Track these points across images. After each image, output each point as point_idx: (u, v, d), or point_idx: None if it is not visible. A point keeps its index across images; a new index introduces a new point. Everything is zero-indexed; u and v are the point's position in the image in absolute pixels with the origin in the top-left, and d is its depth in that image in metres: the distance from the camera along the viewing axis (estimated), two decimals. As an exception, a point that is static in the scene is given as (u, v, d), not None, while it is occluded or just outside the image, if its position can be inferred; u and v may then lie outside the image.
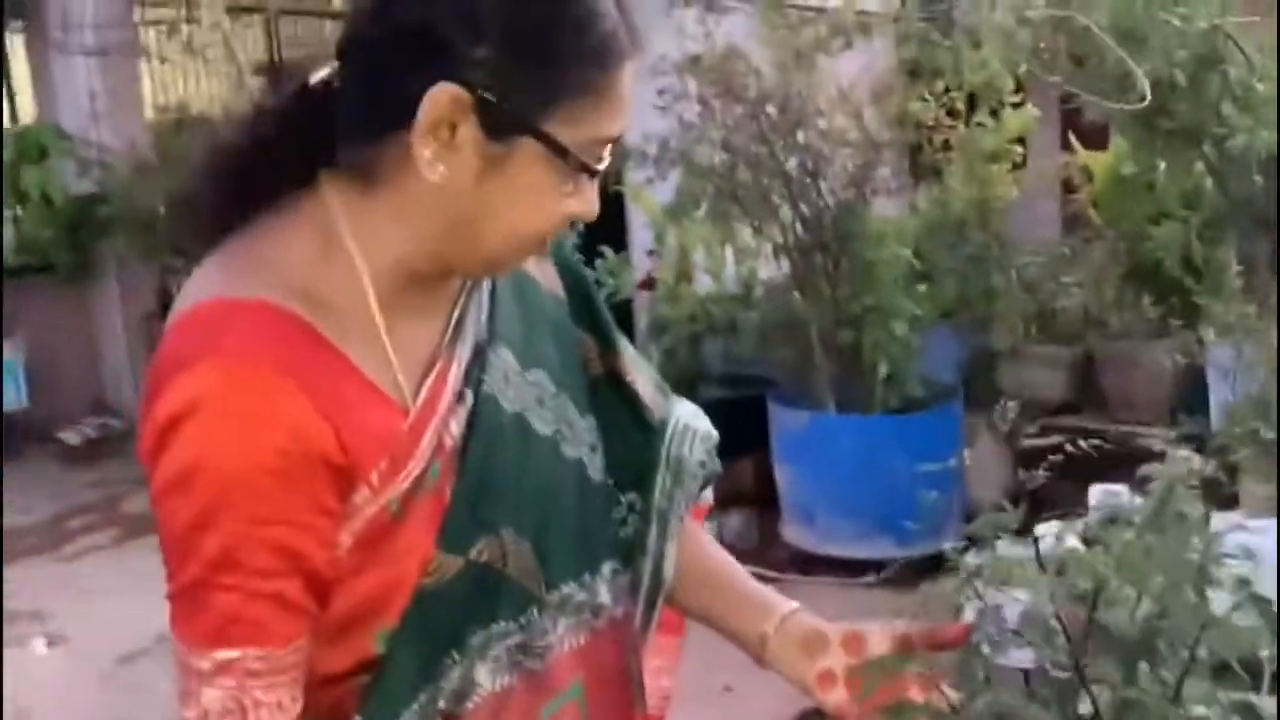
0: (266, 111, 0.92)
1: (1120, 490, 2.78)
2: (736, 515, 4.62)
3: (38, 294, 6.39)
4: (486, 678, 0.93)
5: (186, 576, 0.83)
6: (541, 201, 0.88)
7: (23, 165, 6.54)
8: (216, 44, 6.97)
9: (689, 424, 1.16)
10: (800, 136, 4.10)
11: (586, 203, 0.91)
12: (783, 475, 4.43)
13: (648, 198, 4.77)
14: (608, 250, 5.37)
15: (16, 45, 7.92)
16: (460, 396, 0.94)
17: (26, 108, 7.82)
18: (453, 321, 0.96)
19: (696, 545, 1.17)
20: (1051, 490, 2.55)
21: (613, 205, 5.46)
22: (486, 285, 1.00)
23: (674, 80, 4.09)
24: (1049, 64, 3.63)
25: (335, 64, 0.89)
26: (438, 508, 0.90)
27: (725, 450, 4.84)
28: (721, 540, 4.64)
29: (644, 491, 1.10)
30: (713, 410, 4.88)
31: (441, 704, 0.91)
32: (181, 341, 0.84)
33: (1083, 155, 4.91)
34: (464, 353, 0.96)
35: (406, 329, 0.92)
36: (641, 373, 1.13)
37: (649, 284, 5.18)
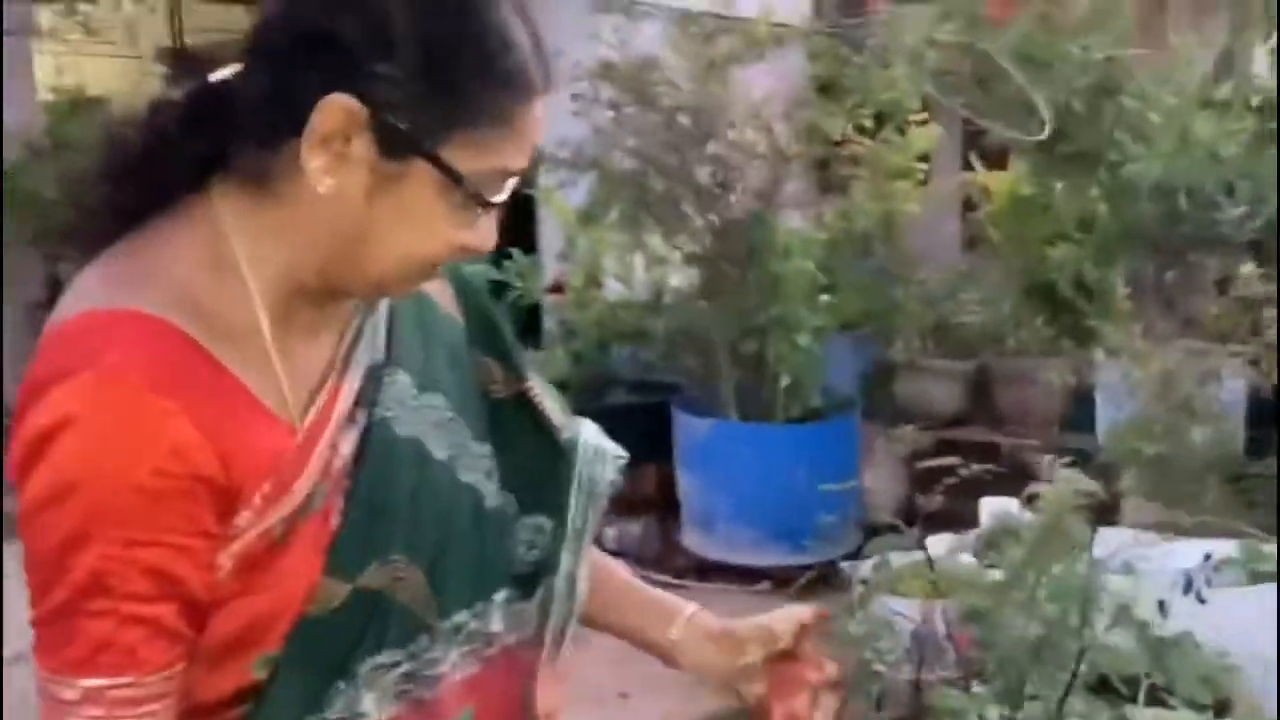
0: (163, 106, 0.88)
1: (1010, 504, 2.86)
2: (638, 521, 4.63)
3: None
4: (373, 706, 0.91)
5: (54, 600, 0.78)
6: (432, 227, 0.85)
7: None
8: (116, 26, 6.76)
9: (598, 444, 1.15)
10: (711, 147, 4.13)
11: (481, 236, 0.89)
12: (684, 482, 4.46)
13: (559, 202, 4.76)
14: (516, 253, 5.36)
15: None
16: (351, 417, 0.91)
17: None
18: (346, 340, 0.93)
19: (593, 556, 1.17)
20: (945, 502, 2.62)
21: (524, 208, 5.44)
22: (385, 304, 0.98)
23: (588, 86, 4.09)
24: (954, 87, 3.72)
25: (238, 64, 0.86)
26: (323, 531, 0.87)
27: (629, 456, 4.78)
28: (622, 546, 4.66)
29: (556, 512, 1.08)
30: (618, 415, 4.90)
31: None
32: (56, 354, 0.80)
33: (982, 175, 5.04)
34: (357, 372, 0.93)
35: (299, 346, 0.89)
36: (547, 396, 1.12)
37: (558, 289, 5.17)
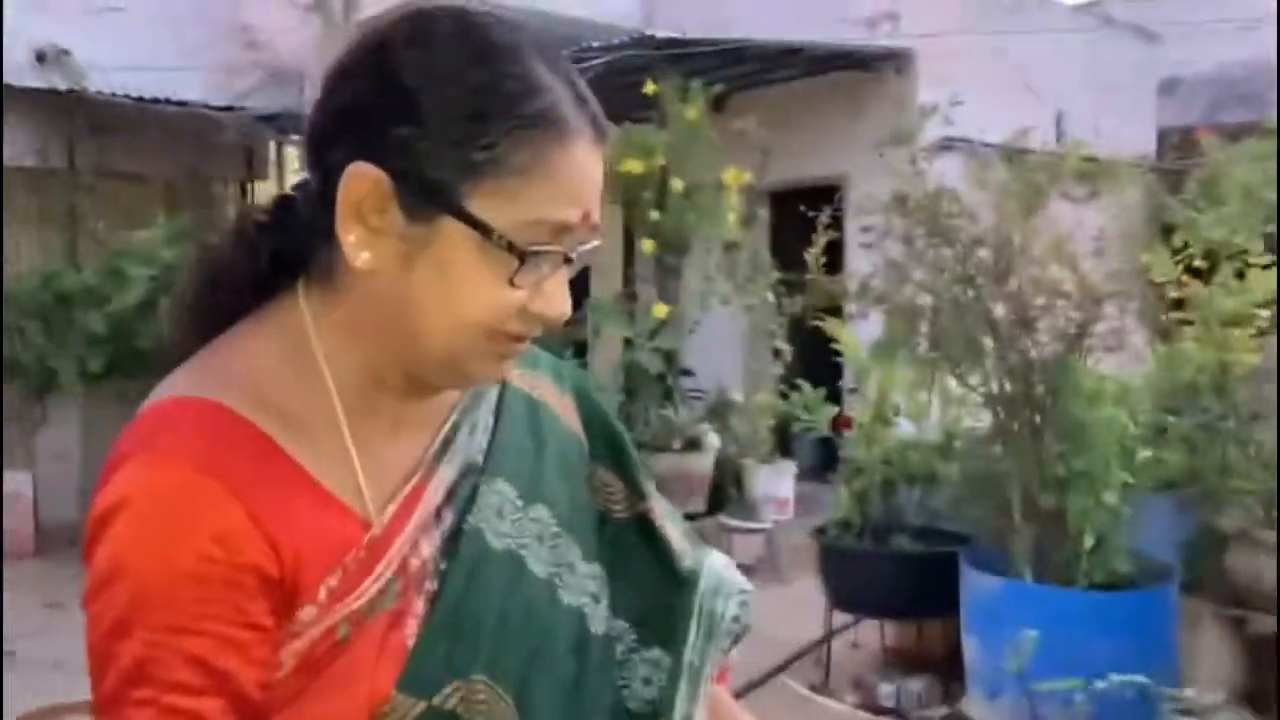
0: (249, 214, 0.90)
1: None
2: (918, 680, 4.32)
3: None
4: None
5: (105, 687, 0.77)
6: (476, 289, 0.81)
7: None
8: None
9: (723, 575, 1.05)
10: (1012, 284, 3.90)
11: (548, 299, 0.83)
12: (971, 643, 4.10)
13: (848, 335, 4.64)
14: (806, 384, 5.26)
15: (295, 155, 8.66)
16: (438, 516, 0.87)
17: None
18: (439, 438, 0.90)
19: (718, 704, 1.05)
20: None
21: (824, 340, 5.36)
22: (489, 406, 0.94)
23: (880, 220, 3.99)
24: (1298, 224, 3.31)
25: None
26: (395, 636, 0.83)
27: (913, 609, 4.58)
28: (900, 705, 4.38)
29: (672, 646, 1.00)
30: (903, 563, 4.65)
31: None
32: (127, 439, 0.81)
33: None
34: (448, 471, 0.89)
35: (383, 441, 0.86)
36: (671, 521, 1.05)
37: (846, 423, 5.01)
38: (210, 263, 0.90)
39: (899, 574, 4.57)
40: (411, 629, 0.84)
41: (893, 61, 7.55)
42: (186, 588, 0.75)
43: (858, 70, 7.78)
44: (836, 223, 5.24)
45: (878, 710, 4.34)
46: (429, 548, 0.86)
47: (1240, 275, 4.34)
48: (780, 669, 4.68)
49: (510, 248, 0.80)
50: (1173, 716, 3.25)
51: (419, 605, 0.85)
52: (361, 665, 0.81)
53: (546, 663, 0.90)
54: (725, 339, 7.39)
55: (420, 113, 0.79)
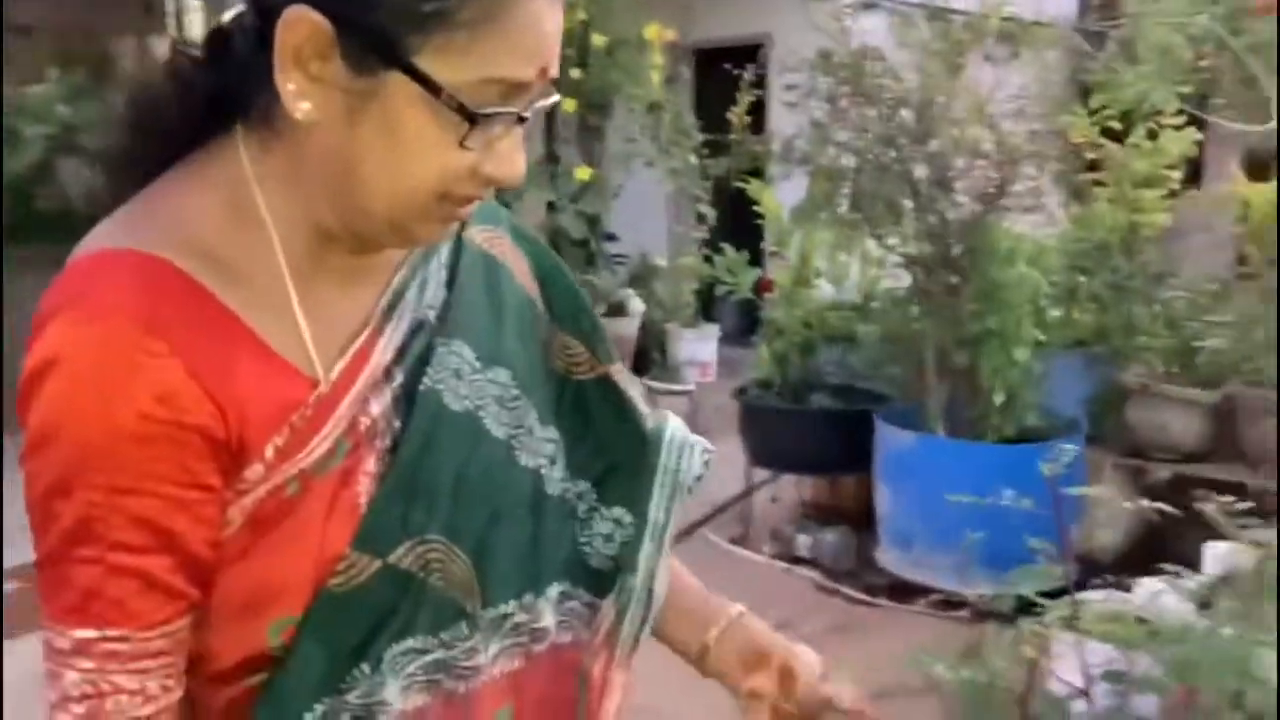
0: (182, 53, 0.85)
1: (1239, 550, 2.54)
2: (833, 533, 4.47)
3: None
4: (397, 696, 0.84)
5: (46, 546, 0.76)
6: (425, 150, 0.77)
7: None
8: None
9: (685, 435, 1.06)
10: (933, 145, 3.91)
11: (501, 162, 0.80)
12: (884, 496, 4.25)
13: (770, 197, 4.64)
14: (729, 248, 5.28)
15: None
16: (387, 375, 0.86)
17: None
18: (388, 293, 0.88)
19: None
20: (1175, 538, 2.34)
21: (748, 202, 5.35)
22: (440, 261, 0.92)
23: (805, 77, 3.95)
24: (1210, 84, 3.36)
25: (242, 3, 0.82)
26: (345, 495, 0.82)
27: (830, 464, 4.69)
28: (815, 555, 4.50)
29: (635, 504, 1.01)
30: (821, 421, 4.75)
31: (344, 719, 0.83)
32: (55, 293, 0.77)
33: (1242, 185, 4.57)
34: (398, 328, 0.87)
35: (330, 297, 0.84)
36: (632, 383, 1.05)
37: (769, 286, 5.06)
38: (141, 105, 0.85)
39: (817, 431, 4.69)
40: (364, 486, 0.83)
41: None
42: (128, 448, 0.74)
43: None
44: (760, 82, 5.18)
45: (795, 561, 4.50)
46: (379, 406, 0.85)
47: (1153, 136, 4.41)
48: (702, 523, 4.81)
49: (461, 109, 0.75)
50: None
51: (370, 463, 0.84)
52: (311, 522, 0.80)
53: (503, 522, 0.90)
54: (648, 202, 7.34)
55: None
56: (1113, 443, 4.35)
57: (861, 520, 4.50)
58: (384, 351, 0.86)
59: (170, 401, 0.74)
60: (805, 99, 3.97)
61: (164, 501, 0.75)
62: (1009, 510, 3.57)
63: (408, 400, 0.87)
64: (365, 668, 0.83)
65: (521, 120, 0.80)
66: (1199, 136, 4.40)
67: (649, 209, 7.35)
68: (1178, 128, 4.38)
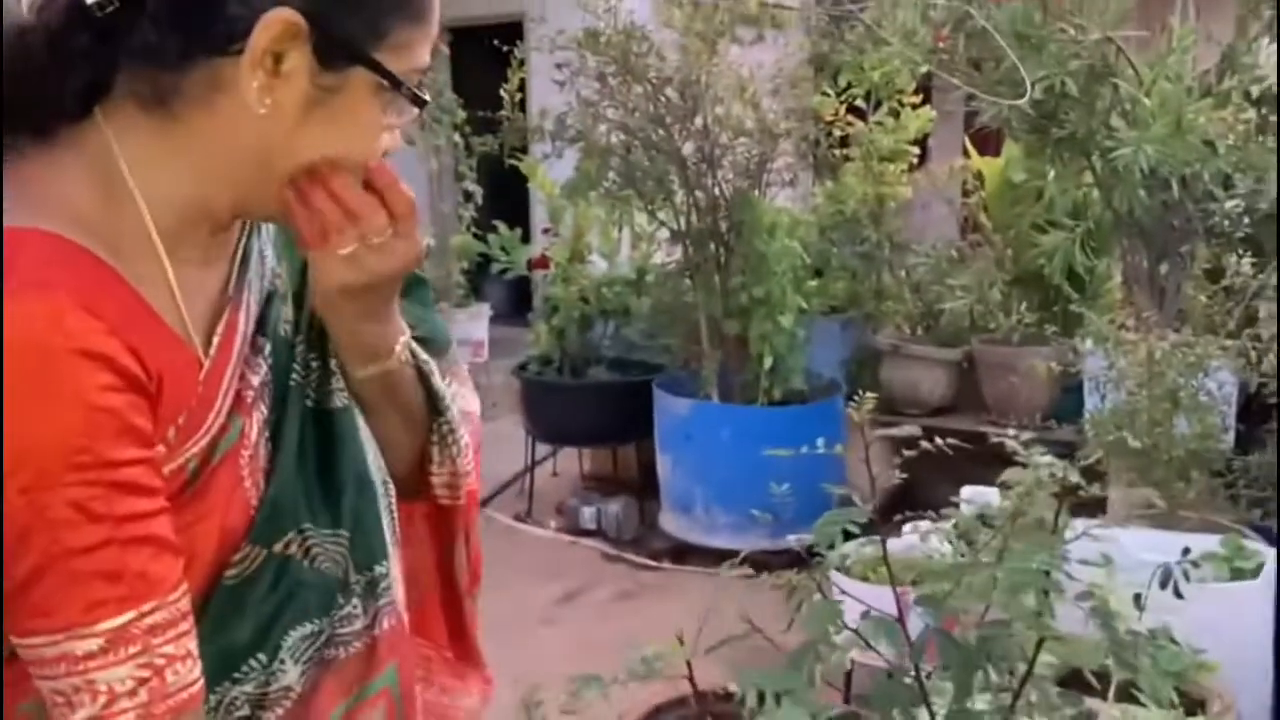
0: (31, 32, 0.81)
1: (988, 492, 2.79)
2: (617, 501, 4.58)
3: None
4: (297, 680, 0.87)
5: (35, 553, 0.70)
6: (363, 135, 0.83)
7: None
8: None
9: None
10: (699, 122, 4.06)
11: (395, 138, 0.87)
12: (664, 463, 4.40)
13: (543, 175, 4.68)
14: (501, 226, 5.28)
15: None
16: (254, 345, 0.88)
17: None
18: (235, 266, 0.89)
19: None
20: (928, 490, 2.55)
21: (514, 180, 5.36)
22: (264, 231, 0.93)
23: (574, 56, 4.00)
24: (948, 65, 3.63)
25: None
26: (236, 467, 0.84)
27: (610, 436, 4.79)
28: (600, 525, 4.55)
29: None
30: (601, 394, 4.83)
31: (242, 708, 0.84)
32: None
33: (976, 160, 4.97)
34: (252, 300, 0.89)
35: (192, 274, 0.84)
36: None
37: (543, 263, 5.10)
38: (10, 64, 0.80)
39: (596, 404, 4.79)
40: (248, 457, 0.84)
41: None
42: (104, 420, 0.71)
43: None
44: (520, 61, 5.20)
45: (580, 533, 4.59)
46: (256, 377, 0.86)
47: (896, 114, 4.73)
48: (485, 502, 4.83)
49: (413, 97, 0.83)
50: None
51: (254, 433, 0.85)
52: (214, 498, 0.81)
53: (364, 492, 0.93)
54: (410, 181, 7.19)
55: None
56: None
57: (643, 488, 4.64)
58: (247, 322, 0.87)
59: (122, 373, 0.73)
60: (574, 77, 4.03)
61: (144, 465, 0.74)
62: (780, 468, 3.79)
63: (278, 373, 0.88)
64: (262, 657, 0.84)
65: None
66: (934, 114, 4.76)
67: (412, 188, 7.21)
68: (915, 106, 4.72)
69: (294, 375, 0.90)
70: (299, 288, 0.94)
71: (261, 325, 0.89)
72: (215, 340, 0.84)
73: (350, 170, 0.84)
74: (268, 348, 0.89)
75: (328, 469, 0.90)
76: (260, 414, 0.86)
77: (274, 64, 0.78)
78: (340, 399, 0.93)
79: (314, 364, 0.93)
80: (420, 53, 0.84)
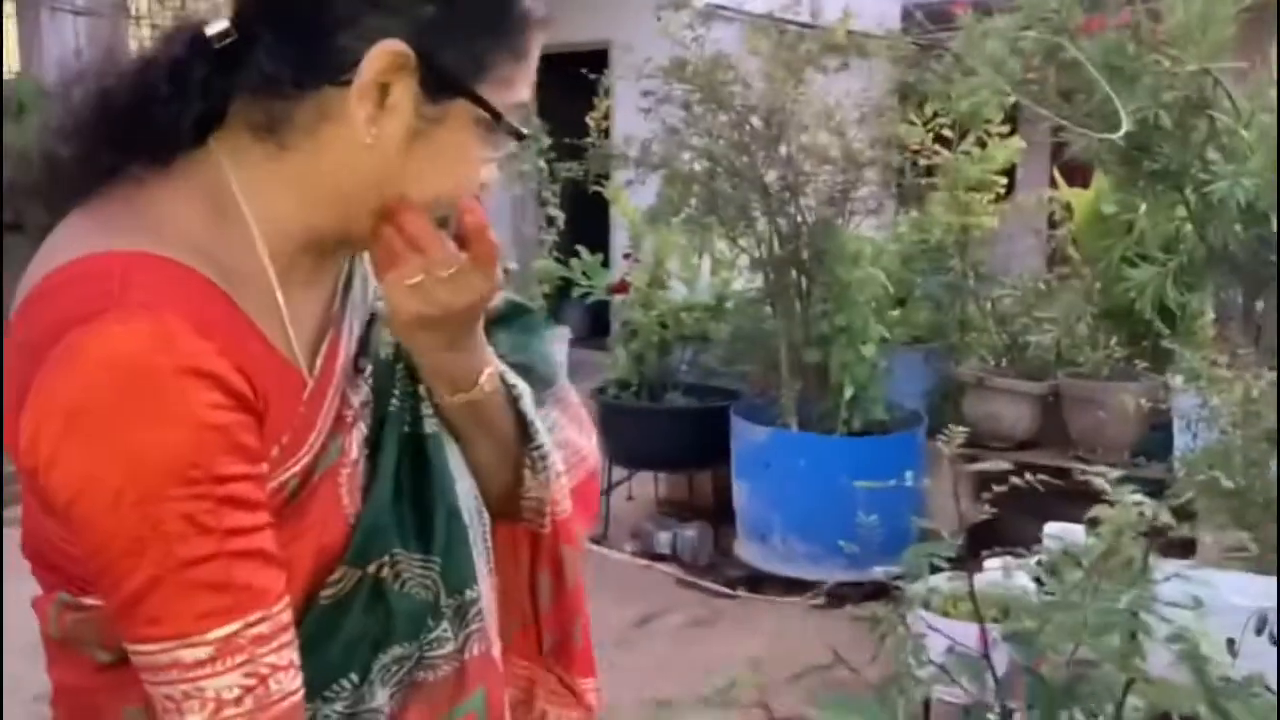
0: (154, 61, 0.85)
1: (1075, 529, 2.73)
2: (693, 528, 4.57)
3: (8, 253, 6.26)
4: (386, 702, 0.89)
5: (148, 565, 0.73)
6: (464, 168, 0.85)
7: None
8: (210, 13, 6.87)
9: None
10: (783, 150, 4.06)
11: (492, 171, 0.89)
12: (740, 490, 4.38)
13: (625, 200, 4.72)
14: (583, 250, 5.33)
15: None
16: (357, 367, 0.90)
17: (12, 63, 7.72)
18: (340, 289, 0.92)
19: None
20: (1011, 525, 2.51)
21: (596, 205, 5.41)
22: (364, 260, 0.96)
23: (659, 83, 4.04)
24: (1038, 96, 3.59)
25: (229, 17, 0.83)
26: (335, 486, 0.86)
27: (687, 461, 4.77)
28: (675, 551, 4.54)
29: None
30: (678, 419, 4.84)
31: None
32: (70, 299, 0.74)
33: (1064, 191, 4.89)
34: (355, 322, 0.92)
35: (299, 296, 0.86)
36: None
37: (623, 288, 5.14)
38: (108, 109, 0.84)
39: (673, 429, 4.79)
40: (347, 476, 0.87)
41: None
42: (213, 437, 0.74)
43: (623, -68, 7.70)
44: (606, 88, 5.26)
45: (655, 557, 4.58)
46: (357, 398, 0.89)
47: (982, 144, 4.68)
48: (561, 525, 4.84)
49: (513, 131, 0.85)
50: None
51: (354, 452, 0.88)
52: (312, 517, 0.84)
53: (455, 516, 0.94)
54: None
55: None
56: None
57: (718, 515, 4.62)
58: (350, 343, 0.90)
59: (231, 392, 0.75)
60: (660, 105, 4.06)
61: (251, 481, 0.76)
62: (858, 499, 3.75)
63: (379, 396, 0.91)
64: (354, 677, 0.87)
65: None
66: (1022, 145, 4.71)
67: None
68: (1004, 136, 4.67)
69: (393, 399, 0.93)
70: None
71: (364, 347, 0.91)
72: (319, 361, 0.86)
73: (446, 204, 0.86)
74: (369, 369, 0.91)
75: (420, 494, 0.92)
76: (360, 434, 0.89)
77: (381, 95, 0.80)
78: (430, 424, 0.94)
79: (407, 389, 0.95)
80: (520, 88, 0.86)
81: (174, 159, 0.84)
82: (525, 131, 0.87)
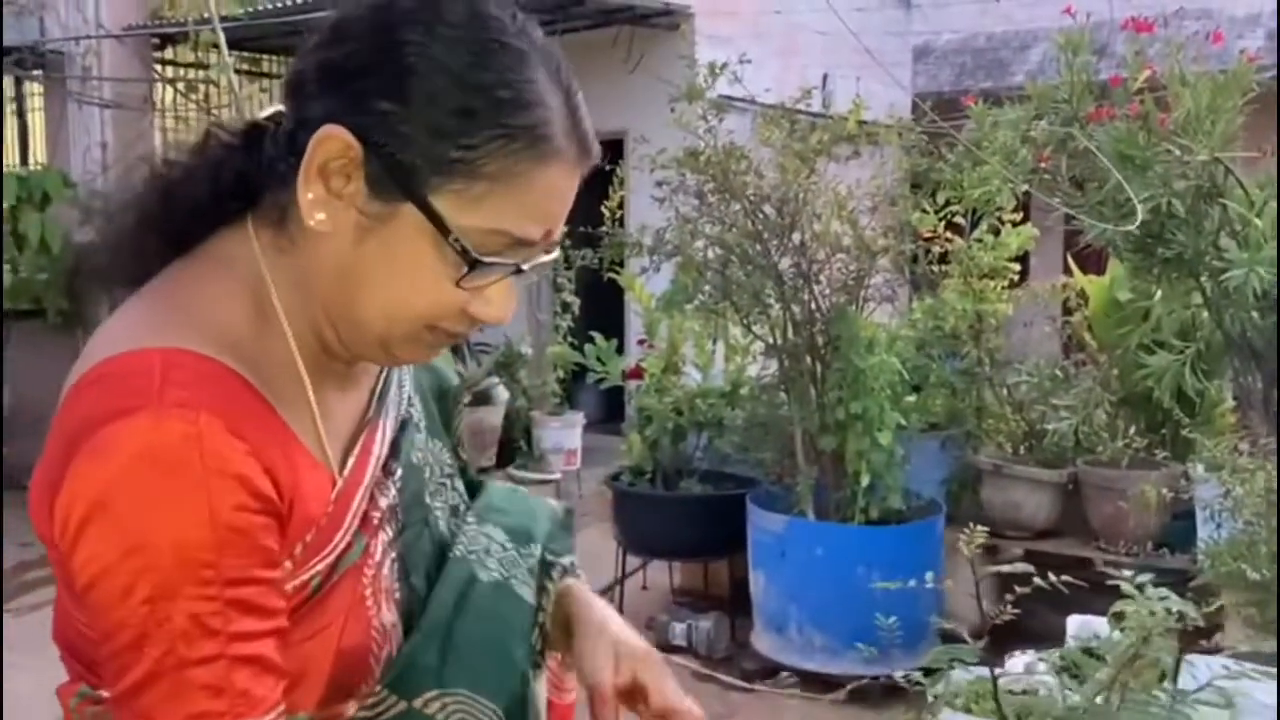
0: (209, 147, 0.87)
1: (1098, 623, 2.67)
2: (708, 619, 4.50)
3: (25, 338, 6.33)
4: None
5: (150, 658, 0.72)
6: (421, 281, 0.80)
7: (24, 209, 6.54)
8: (231, 103, 7.03)
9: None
10: (796, 238, 4.08)
11: (489, 304, 0.83)
12: (757, 580, 4.32)
13: (640, 287, 4.74)
14: (598, 336, 5.35)
15: (35, 92, 8.02)
16: (386, 470, 0.90)
17: (39, 154, 7.89)
18: (376, 391, 0.92)
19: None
20: (1032, 615, 2.46)
21: (610, 292, 5.44)
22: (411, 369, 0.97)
23: (673, 173, 4.08)
24: (1049, 184, 3.62)
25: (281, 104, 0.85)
26: (358, 585, 0.85)
27: (702, 550, 4.70)
28: (690, 642, 4.45)
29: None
30: (693, 507, 4.78)
31: None
32: (109, 394, 0.75)
33: (1079, 278, 4.90)
34: (388, 425, 0.92)
35: (331, 396, 0.87)
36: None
37: (637, 373, 5.14)
38: (168, 179, 0.86)
39: (689, 516, 4.74)
40: (371, 578, 0.86)
41: (671, 18, 7.67)
42: (232, 539, 0.73)
43: (637, 25, 7.86)
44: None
45: (670, 649, 4.50)
46: (385, 500, 0.89)
47: (996, 232, 4.70)
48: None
49: (463, 252, 0.78)
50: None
51: (378, 554, 0.87)
52: (332, 616, 0.83)
53: (516, 664, 0.94)
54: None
55: (410, 93, 0.77)
56: (968, 522, 4.53)
57: (735, 605, 4.55)
58: (381, 445, 0.90)
59: (257, 494, 0.75)
60: (674, 194, 4.10)
61: (266, 585, 0.76)
62: (876, 591, 3.69)
63: (411, 499, 0.91)
64: None
65: (519, 271, 0.83)
66: (1035, 232, 4.73)
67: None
68: (1016, 223, 4.69)
69: (433, 511, 0.94)
70: (430, 420, 0.97)
71: (395, 450, 0.91)
72: (350, 461, 0.86)
73: (414, 323, 0.82)
74: (399, 472, 0.91)
75: (492, 649, 0.92)
76: (386, 535, 0.88)
77: (342, 184, 0.78)
78: (459, 549, 0.95)
79: (443, 508, 0.96)
80: (511, 218, 0.79)
81: (213, 254, 0.85)
82: (480, 258, 0.79)
